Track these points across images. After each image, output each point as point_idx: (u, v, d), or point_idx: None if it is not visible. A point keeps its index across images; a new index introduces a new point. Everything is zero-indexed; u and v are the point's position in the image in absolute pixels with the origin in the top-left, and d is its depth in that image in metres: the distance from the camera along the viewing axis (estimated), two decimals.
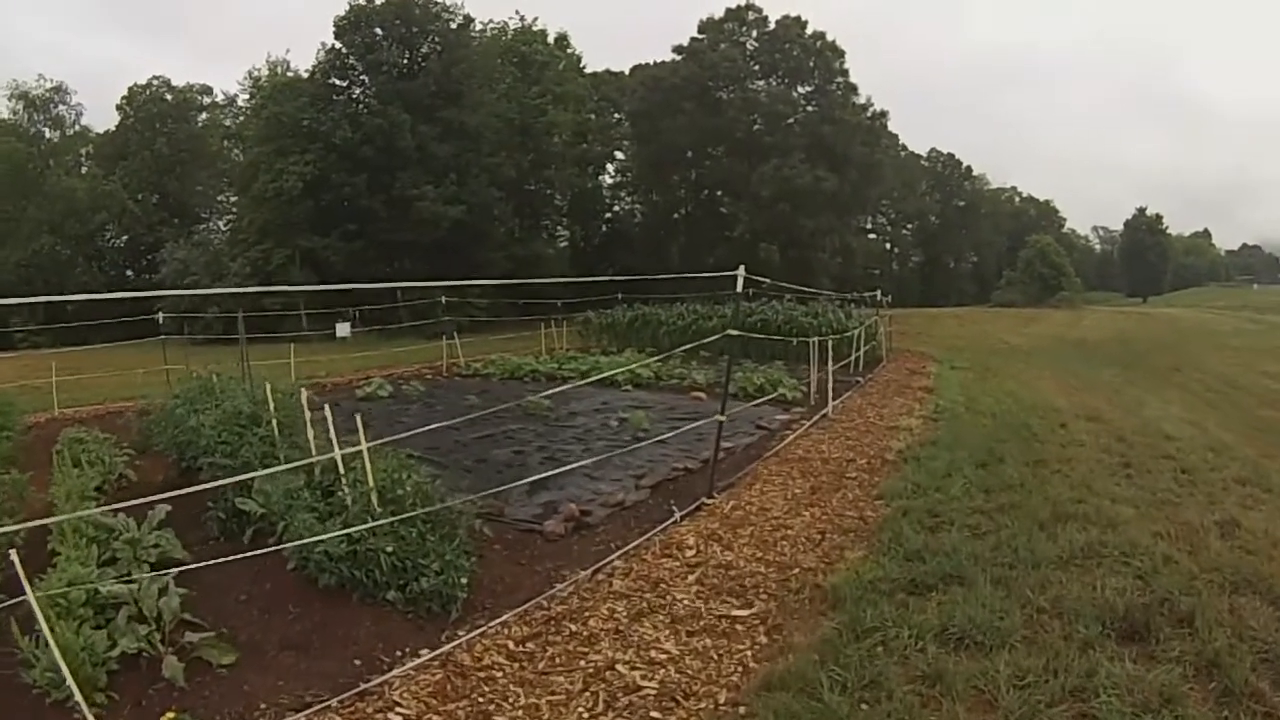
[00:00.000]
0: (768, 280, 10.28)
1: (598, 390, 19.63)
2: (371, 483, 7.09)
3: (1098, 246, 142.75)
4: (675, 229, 65.13)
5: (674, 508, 8.89)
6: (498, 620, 6.19)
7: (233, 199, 60.50)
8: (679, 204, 67.20)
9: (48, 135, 58.06)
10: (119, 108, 61.62)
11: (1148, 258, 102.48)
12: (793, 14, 61.83)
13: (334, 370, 26.27)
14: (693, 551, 7.68)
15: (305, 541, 6.59)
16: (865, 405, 16.54)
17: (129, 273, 60.69)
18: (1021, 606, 5.86)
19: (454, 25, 52.46)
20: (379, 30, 50.05)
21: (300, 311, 43.71)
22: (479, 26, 57.85)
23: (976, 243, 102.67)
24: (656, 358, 19.24)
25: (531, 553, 7.91)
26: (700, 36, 62.21)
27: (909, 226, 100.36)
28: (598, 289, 36.83)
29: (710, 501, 9.19)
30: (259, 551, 6.39)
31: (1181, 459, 10.99)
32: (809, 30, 61.53)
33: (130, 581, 6.00)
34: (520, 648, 5.83)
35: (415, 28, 50.59)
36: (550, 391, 15.33)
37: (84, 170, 61.00)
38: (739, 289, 8.82)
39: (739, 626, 6.07)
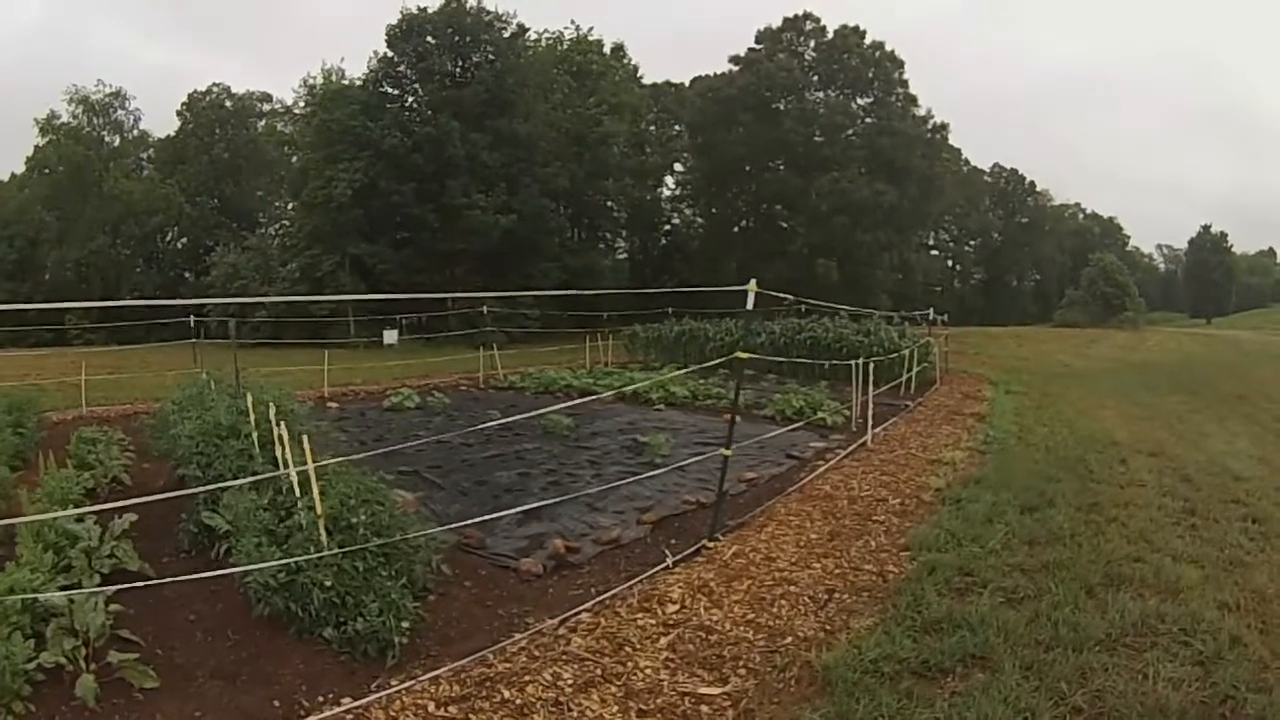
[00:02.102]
0: (790, 297, 9.20)
1: (629, 408, 18.92)
2: (319, 509, 6.58)
3: (1161, 265, 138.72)
4: (733, 242, 64.06)
5: (667, 551, 7.95)
6: (432, 674, 5.52)
7: (289, 205, 60.85)
8: (738, 217, 66.31)
9: (106, 139, 58.82)
10: (179, 113, 62.70)
11: (1212, 277, 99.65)
12: (851, 24, 60.64)
13: (371, 378, 26.09)
14: (675, 607, 6.73)
15: (245, 569, 6.28)
16: (909, 433, 15.39)
17: (186, 274, 61.13)
18: (1053, 704, 4.86)
19: (506, 34, 52.05)
20: (431, 39, 49.83)
21: (349, 318, 43.69)
22: (534, 36, 57.61)
23: (1039, 260, 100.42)
24: (669, 374, 18.40)
25: (501, 593, 7.23)
26: (757, 47, 61.38)
27: (971, 243, 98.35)
28: (654, 302, 36.05)
29: (711, 545, 8.21)
30: (206, 574, 6.26)
31: (1251, 505, 9.78)
32: (868, 40, 60.32)
33: (69, 592, 5.87)
34: (441, 711, 5.12)
35: (468, 36, 50.35)
36: (563, 406, 14.31)
37: (143, 174, 61.88)
38: (749, 305, 7.91)
39: (703, 709, 5.14)
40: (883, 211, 56.18)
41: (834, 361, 20.77)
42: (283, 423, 7.38)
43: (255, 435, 8.91)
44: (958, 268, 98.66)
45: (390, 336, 38.15)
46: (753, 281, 7.89)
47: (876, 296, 53.26)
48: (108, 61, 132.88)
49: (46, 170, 57.44)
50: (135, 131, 61.04)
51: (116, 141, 59.77)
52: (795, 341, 27.05)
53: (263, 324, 40.73)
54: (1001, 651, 5.52)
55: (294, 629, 6.06)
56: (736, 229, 65.87)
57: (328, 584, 6.04)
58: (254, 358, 29.24)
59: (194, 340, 23.57)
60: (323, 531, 6.48)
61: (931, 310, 28.40)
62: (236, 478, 7.73)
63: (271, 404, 8.48)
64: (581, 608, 6.69)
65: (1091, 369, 32.30)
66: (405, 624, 5.91)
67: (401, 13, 50.10)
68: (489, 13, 51.28)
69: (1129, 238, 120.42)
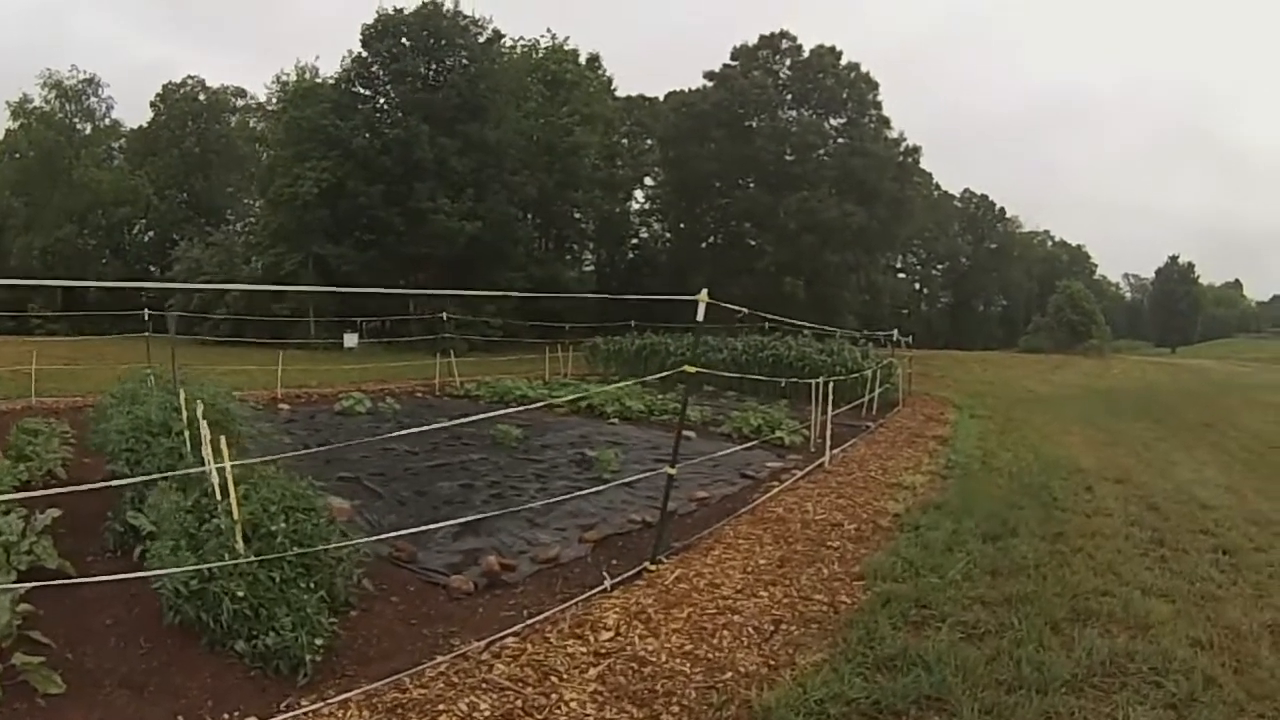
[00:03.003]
0: (745, 310, 8.71)
1: (583, 421, 18.46)
2: (236, 514, 6.17)
3: (1128, 294, 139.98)
4: (701, 258, 63.64)
5: (606, 574, 7.40)
6: (343, 696, 5.09)
7: (257, 203, 60.16)
8: (706, 233, 66.04)
9: (78, 126, 58.52)
10: (153, 104, 62.64)
11: (1178, 307, 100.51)
12: (827, 44, 60.62)
13: (327, 381, 25.56)
14: (609, 634, 6.18)
15: (155, 574, 6.01)
16: (869, 455, 14.86)
17: (152, 268, 60.05)
18: None
19: (482, 39, 51.52)
20: (405, 40, 49.19)
21: (310, 319, 43.44)
22: (509, 43, 57.18)
23: (1006, 286, 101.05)
24: (623, 386, 17.94)
25: (429, 610, 6.76)
26: (733, 64, 61.12)
27: (939, 267, 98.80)
28: (618, 314, 35.62)
29: (654, 568, 7.65)
30: (122, 576, 6.04)
31: (1221, 535, 9.45)
32: (843, 61, 60.26)
33: None
34: None
35: (442, 40, 49.70)
36: (512, 411, 13.81)
37: (114, 164, 61.19)
38: (699, 317, 7.42)
39: None
40: (851, 232, 56.06)
41: (791, 380, 20.27)
42: (206, 421, 6.91)
43: (187, 433, 8.47)
44: (925, 291, 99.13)
45: (351, 340, 37.67)
46: (704, 292, 7.39)
47: (843, 317, 53.07)
48: (90, 51, 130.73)
49: (17, 155, 56.94)
50: (107, 120, 60.77)
51: (88, 129, 59.39)
52: (757, 358, 26.71)
53: (223, 322, 40.49)
54: (960, 693, 5.06)
55: (206, 640, 5.72)
56: (704, 245, 65.58)
57: (240, 594, 5.65)
58: (212, 356, 29.12)
59: (146, 335, 22.93)
60: (239, 538, 6.07)
61: (896, 331, 28.09)
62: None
63: (199, 401, 7.91)
64: (509, 631, 6.18)
65: (1056, 394, 32.11)
66: (319, 641, 5.51)
67: (377, 13, 49.57)
68: (465, 17, 50.77)
69: (1096, 266, 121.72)
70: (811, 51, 60.65)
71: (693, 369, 7.81)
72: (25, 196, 55.80)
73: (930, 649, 5.66)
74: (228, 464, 6.21)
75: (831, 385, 15.45)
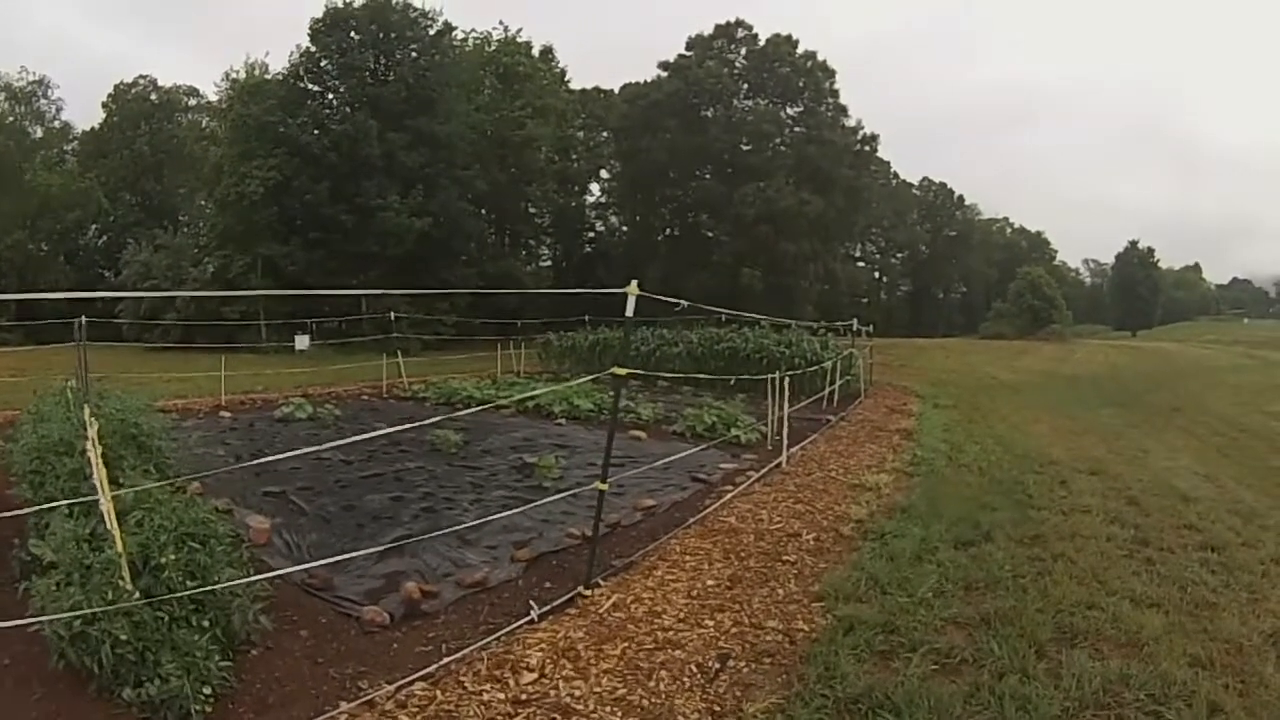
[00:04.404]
0: (683, 302, 7.89)
1: (528, 422, 17.59)
2: (121, 547, 5.37)
3: (1088, 279, 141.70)
4: (657, 251, 63.16)
5: (533, 603, 6.53)
6: None
7: (207, 205, 58.85)
8: (662, 225, 65.77)
9: (28, 129, 57.35)
10: (104, 105, 62.08)
11: (1138, 291, 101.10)
12: (784, 33, 60.14)
13: (274, 385, 24.67)
14: (532, 676, 5.34)
15: (28, 620, 5.30)
16: (830, 453, 14.00)
17: (105, 273, 58.93)
18: None
19: (432, 32, 50.49)
20: (354, 34, 48.15)
21: (260, 321, 42.51)
22: (461, 36, 56.17)
23: (966, 273, 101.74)
24: (571, 385, 17.18)
25: (339, 646, 5.94)
26: (688, 54, 60.58)
27: (899, 255, 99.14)
28: (573, 309, 34.95)
29: (588, 593, 6.79)
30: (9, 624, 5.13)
31: (1206, 530, 8.85)
32: (800, 50, 59.87)
33: None
34: None
35: (392, 33, 48.69)
36: (466, 413, 12.94)
37: (65, 166, 60.13)
38: (629, 311, 6.58)
39: None
40: (808, 221, 55.74)
41: (740, 377, 19.43)
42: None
43: (92, 453, 7.54)
44: (884, 279, 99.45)
45: (302, 342, 36.85)
46: (633, 284, 6.54)
47: (802, 307, 52.65)
48: (39, 48, 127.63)
49: None
50: (57, 122, 59.87)
51: (39, 132, 58.41)
52: (714, 351, 25.99)
53: (172, 327, 39.88)
54: None
55: (94, 685, 5.07)
56: (660, 237, 65.31)
57: (123, 637, 4.98)
58: (160, 362, 27.93)
59: (77, 342, 21.90)
60: (126, 572, 5.32)
61: (855, 321, 27.43)
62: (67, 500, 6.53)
63: (95, 420, 7.09)
64: (420, 673, 5.37)
65: (1021, 381, 31.72)
66: (207, 690, 4.87)
67: (326, 6, 48.44)
68: (415, 9, 49.81)
69: (1056, 252, 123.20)
70: (768, 40, 60.35)
71: (622, 370, 6.94)
72: None
73: (899, 687, 4.88)
74: (105, 488, 5.53)
75: (787, 380, 14.61)
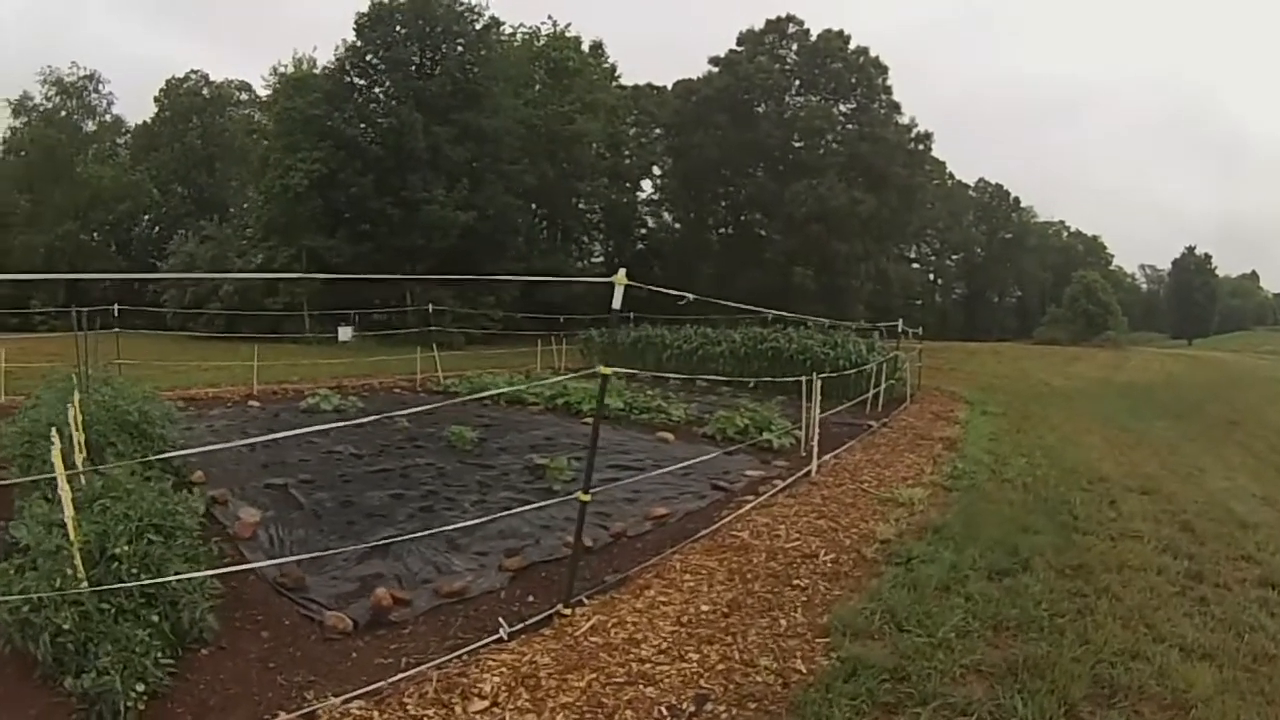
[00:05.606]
0: (690, 296, 7.28)
1: (556, 420, 17.13)
2: (73, 534, 5.32)
3: (1144, 285, 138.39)
4: (709, 248, 62.46)
5: (502, 620, 5.96)
6: None
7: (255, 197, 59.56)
8: (715, 223, 65.12)
9: (77, 121, 58.02)
10: (156, 99, 62.93)
11: (1195, 298, 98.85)
12: (835, 28, 59.16)
13: (310, 376, 24.73)
14: (482, 705, 4.76)
15: None
16: (864, 462, 13.20)
17: (157, 263, 59.02)
18: None
19: (479, 26, 50.22)
20: (400, 28, 48.19)
21: (303, 312, 43.12)
22: (509, 30, 56.02)
23: (1021, 277, 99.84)
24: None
25: (296, 652, 5.64)
26: (739, 49, 59.83)
27: (953, 257, 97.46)
28: (626, 305, 34.46)
29: (567, 613, 6.17)
30: None
31: (1265, 563, 8.00)
32: (852, 45, 58.86)
33: None
34: None
35: (438, 27, 48.53)
36: (454, 401, 12.43)
37: (116, 159, 60.97)
38: (616, 304, 6.00)
39: None
40: (860, 220, 54.78)
41: (761, 379, 18.74)
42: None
43: (78, 438, 7.52)
44: (939, 281, 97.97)
45: (345, 333, 37.45)
46: (621, 273, 5.96)
47: (853, 307, 51.74)
48: (94, 48, 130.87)
49: (23, 153, 56.51)
50: (109, 116, 60.53)
51: (90, 125, 59.16)
52: (756, 351, 25.40)
53: (216, 317, 40.53)
54: None
55: (39, 672, 5.03)
56: (713, 235, 64.48)
57: (65, 626, 4.93)
58: (200, 350, 29.00)
59: (117, 330, 22.05)
60: (77, 560, 5.24)
61: (901, 322, 26.53)
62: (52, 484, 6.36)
63: (71, 405, 7.59)
64: (365, 689, 4.93)
65: (1073, 389, 30.56)
66: (141, 687, 4.68)
67: (371, 1, 48.40)
68: (461, 3, 49.58)
69: (1112, 257, 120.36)
70: (819, 35, 59.42)
71: (607, 369, 6.35)
72: (28, 194, 55.49)
73: None
74: (63, 473, 5.38)
75: (820, 382, 13.85)
